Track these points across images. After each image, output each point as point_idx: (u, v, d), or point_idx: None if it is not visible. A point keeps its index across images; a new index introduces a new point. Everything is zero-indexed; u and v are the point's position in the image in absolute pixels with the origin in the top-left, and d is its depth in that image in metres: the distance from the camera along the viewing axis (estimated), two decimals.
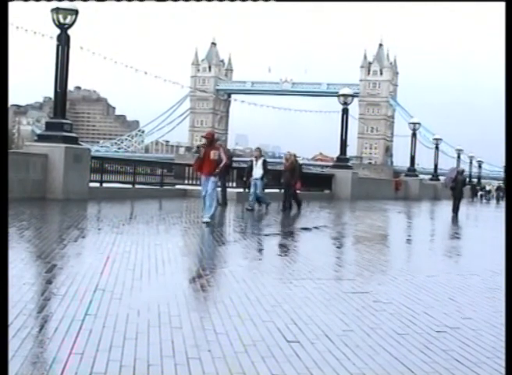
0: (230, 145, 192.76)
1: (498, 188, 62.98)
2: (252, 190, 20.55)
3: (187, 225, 14.81)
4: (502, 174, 74.56)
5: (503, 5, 8.99)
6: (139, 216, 16.60)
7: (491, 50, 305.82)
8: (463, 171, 30.05)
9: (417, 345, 5.05)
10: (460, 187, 26.86)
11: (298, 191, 22.47)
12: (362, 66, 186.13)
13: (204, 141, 14.60)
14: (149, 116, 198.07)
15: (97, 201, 19.16)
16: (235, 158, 26.60)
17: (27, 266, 8.05)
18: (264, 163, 20.95)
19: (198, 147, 20.07)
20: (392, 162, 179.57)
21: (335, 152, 41.18)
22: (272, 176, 26.19)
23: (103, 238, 11.28)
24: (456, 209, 26.13)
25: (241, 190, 28.25)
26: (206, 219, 13.57)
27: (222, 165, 14.15)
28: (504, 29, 7.50)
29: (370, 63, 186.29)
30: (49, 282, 6.90)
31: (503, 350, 4.81)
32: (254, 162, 20.94)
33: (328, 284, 7.79)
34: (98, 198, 19.62)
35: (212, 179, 14.00)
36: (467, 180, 31.21)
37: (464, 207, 28.17)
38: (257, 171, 20.70)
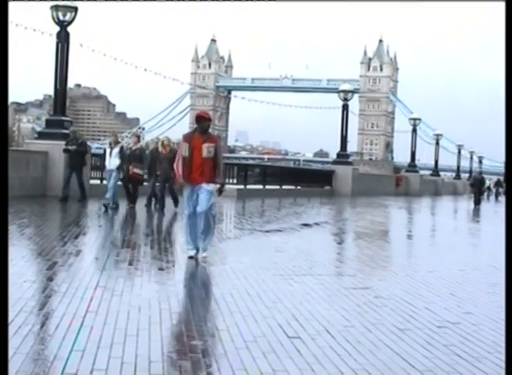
0: (230, 142, 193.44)
1: (497, 183, 61.69)
2: (111, 183, 17.01)
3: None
4: (502, 170, 74.16)
5: (502, 4, 8.99)
6: (139, 212, 16.58)
7: (492, 45, 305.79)
8: (481, 172, 42.47)
9: (419, 340, 5.05)
10: (478, 185, 34.03)
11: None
12: (362, 62, 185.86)
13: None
14: (149, 113, 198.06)
15: (98, 198, 19.13)
16: (233, 155, 25.36)
17: (28, 263, 8.06)
18: (122, 151, 16.97)
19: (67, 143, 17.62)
20: (392, 158, 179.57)
21: (335, 149, 41.15)
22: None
23: (104, 235, 11.29)
24: (477, 202, 32.78)
25: (241, 186, 28.32)
26: (203, 254, 8.70)
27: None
28: (504, 28, 7.49)
29: (370, 59, 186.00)
30: (50, 279, 6.91)
31: (504, 345, 4.81)
32: (108, 150, 17.14)
33: (329, 280, 7.80)
34: (99, 195, 19.58)
35: (207, 189, 8.64)
36: (484, 178, 39.48)
37: (464, 203, 28.36)
38: (112, 161, 16.90)
